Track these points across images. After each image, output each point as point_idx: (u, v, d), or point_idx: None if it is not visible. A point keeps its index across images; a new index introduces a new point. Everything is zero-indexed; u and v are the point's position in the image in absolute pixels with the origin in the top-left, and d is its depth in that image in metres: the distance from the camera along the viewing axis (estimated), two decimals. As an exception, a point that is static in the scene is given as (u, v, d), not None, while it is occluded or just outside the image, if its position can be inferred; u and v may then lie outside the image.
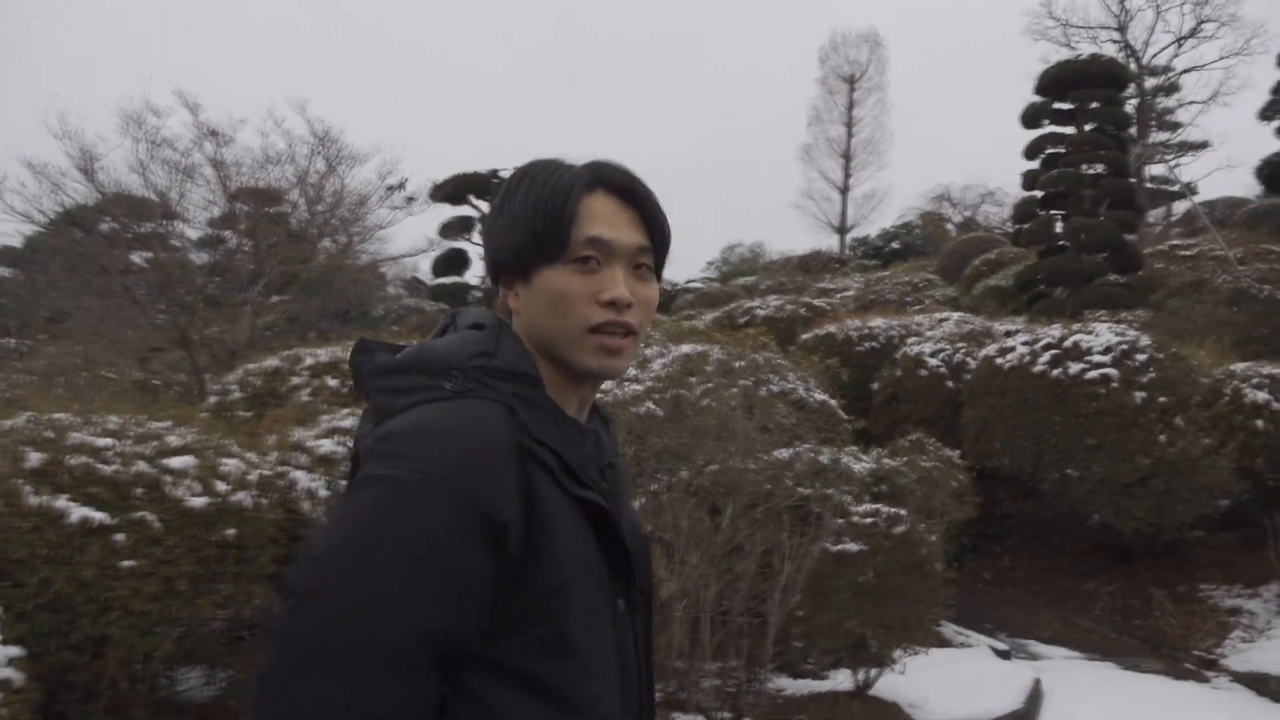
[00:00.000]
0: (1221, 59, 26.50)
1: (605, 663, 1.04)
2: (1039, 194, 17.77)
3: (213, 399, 6.86)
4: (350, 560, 0.88)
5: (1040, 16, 29.83)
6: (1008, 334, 10.27)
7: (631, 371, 5.80)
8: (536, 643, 0.97)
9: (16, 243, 14.66)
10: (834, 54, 35.83)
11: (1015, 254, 19.87)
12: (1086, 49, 25.54)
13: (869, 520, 5.20)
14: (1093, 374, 8.21)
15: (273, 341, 11.55)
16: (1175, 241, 19.82)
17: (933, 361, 10.28)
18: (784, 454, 5.66)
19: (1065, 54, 23.73)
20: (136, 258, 11.38)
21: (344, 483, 4.27)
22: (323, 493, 4.28)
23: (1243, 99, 30.08)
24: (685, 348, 7.17)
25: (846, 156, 35.40)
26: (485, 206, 28.63)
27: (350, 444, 4.59)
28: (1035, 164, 18.36)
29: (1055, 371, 8.42)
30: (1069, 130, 17.66)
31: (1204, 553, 8.27)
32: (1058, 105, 17.81)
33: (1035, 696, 5.67)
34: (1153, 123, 26.51)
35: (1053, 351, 8.61)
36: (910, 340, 11.19)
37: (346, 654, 0.85)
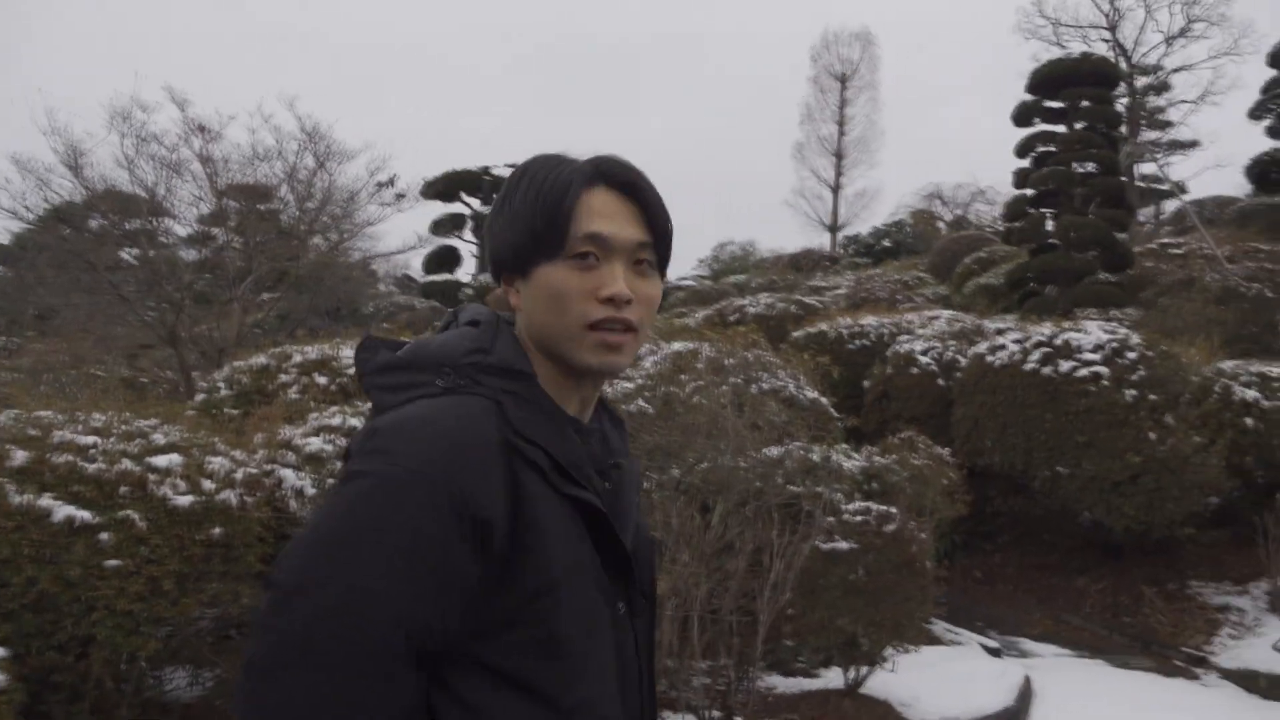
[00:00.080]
0: (1211, 58, 26.57)
1: (603, 665, 1.02)
2: (1030, 192, 17.79)
3: (200, 396, 6.81)
4: (338, 555, 0.88)
5: (1031, 15, 29.99)
6: (999, 332, 10.29)
7: (622, 369, 5.77)
8: (527, 643, 0.95)
9: (4, 239, 14.59)
10: (826, 52, 35.86)
11: (1006, 252, 19.92)
12: (1077, 48, 25.67)
13: (860, 518, 5.20)
14: (1083, 372, 8.23)
15: (262, 339, 11.49)
16: (1165, 240, 19.90)
17: (924, 359, 10.29)
18: (775, 452, 5.66)
19: (1056, 53, 23.77)
20: (125, 255, 11.29)
21: (331, 481, 4.25)
22: (310, 491, 4.25)
23: (1232, 98, 30.11)
24: (676, 345, 7.16)
25: (838, 155, 35.43)
26: (477, 204, 28.60)
27: (341, 442, 4.57)
28: (1026, 162, 18.38)
29: (1046, 369, 8.44)
30: (1060, 129, 17.67)
31: (1194, 550, 8.31)
32: (1049, 104, 17.82)
33: (1026, 694, 5.69)
34: (1143, 121, 26.55)
35: (1043, 349, 8.63)
36: (901, 338, 11.19)
37: (334, 648, 0.85)
